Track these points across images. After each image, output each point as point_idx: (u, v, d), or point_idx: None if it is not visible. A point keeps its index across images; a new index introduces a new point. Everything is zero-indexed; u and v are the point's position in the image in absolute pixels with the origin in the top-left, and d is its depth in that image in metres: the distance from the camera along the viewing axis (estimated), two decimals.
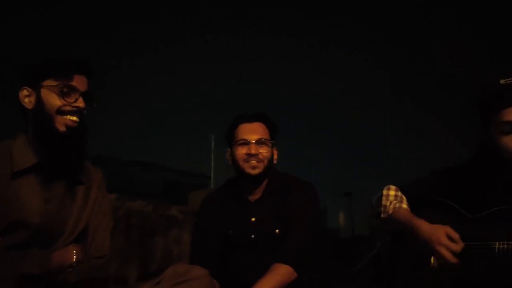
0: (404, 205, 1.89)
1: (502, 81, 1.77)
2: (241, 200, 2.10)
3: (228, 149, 2.12)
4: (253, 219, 2.05)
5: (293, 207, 2.01)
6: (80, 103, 1.62)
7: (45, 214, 1.60)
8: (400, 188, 1.97)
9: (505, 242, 1.66)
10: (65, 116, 1.61)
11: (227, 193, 2.16)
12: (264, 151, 2.03)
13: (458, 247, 1.68)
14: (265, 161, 2.03)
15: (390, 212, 1.88)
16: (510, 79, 1.75)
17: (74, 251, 1.62)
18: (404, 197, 1.93)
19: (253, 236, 2.03)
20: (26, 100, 1.62)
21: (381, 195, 1.96)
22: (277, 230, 2.00)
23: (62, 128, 1.61)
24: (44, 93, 1.60)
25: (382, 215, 1.92)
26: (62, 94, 1.60)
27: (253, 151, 2.01)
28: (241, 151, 2.03)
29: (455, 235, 1.70)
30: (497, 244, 1.67)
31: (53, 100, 1.60)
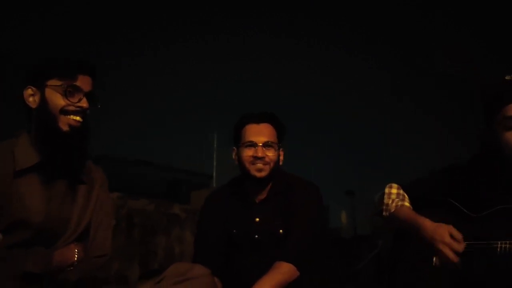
0: (407, 203, 1.88)
1: (507, 77, 1.77)
2: (245, 199, 2.10)
3: (234, 148, 2.10)
4: (257, 219, 2.04)
5: (296, 207, 2.00)
6: (84, 103, 1.63)
7: (47, 213, 1.61)
8: (402, 187, 1.96)
9: (507, 242, 1.66)
10: (68, 116, 1.61)
11: (231, 192, 2.15)
12: (270, 154, 2.01)
13: (460, 246, 1.68)
14: (271, 164, 2.02)
15: (393, 210, 1.88)
16: None
17: (76, 250, 1.62)
18: (406, 195, 1.93)
19: (256, 236, 2.03)
20: (31, 99, 1.63)
21: (383, 193, 1.95)
22: (280, 231, 2.00)
23: (65, 128, 1.61)
24: (49, 92, 1.61)
25: (384, 213, 1.91)
26: (66, 94, 1.60)
27: (259, 154, 1.99)
28: (248, 153, 2.01)
29: (458, 235, 1.69)
30: (498, 243, 1.67)
31: (57, 100, 1.60)
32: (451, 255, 1.68)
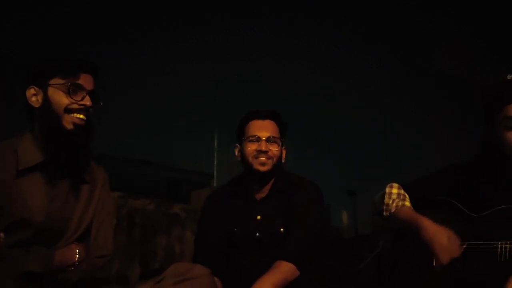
0: (407, 203, 1.88)
1: (509, 77, 1.78)
2: (246, 198, 2.10)
3: (237, 145, 2.12)
4: (258, 217, 2.05)
5: (296, 206, 2.01)
6: (87, 101, 1.63)
7: (48, 212, 1.61)
8: (403, 186, 1.96)
9: (507, 242, 1.66)
10: (72, 114, 1.62)
11: (232, 191, 2.15)
12: (274, 149, 2.04)
13: (457, 252, 1.70)
14: (274, 159, 2.04)
15: (393, 210, 1.88)
16: None
17: (77, 250, 1.62)
18: (406, 195, 1.93)
19: (257, 234, 2.03)
20: (33, 98, 1.63)
21: (384, 193, 1.95)
22: (281, 229, 2.00)
23: (69, 126, 1.61)
24: (52, 91, 1.61)
25: (384, 213, 1.91)
26: (69, 93, 1.61)
27: (263, 148, 2.01)
28: (251, 147, 2.03)
29: (457, 241, 1.70)
30: (499, 243, 1.68)
31: (61, 99, 1.61)
32: (445, 260, 1.69)
